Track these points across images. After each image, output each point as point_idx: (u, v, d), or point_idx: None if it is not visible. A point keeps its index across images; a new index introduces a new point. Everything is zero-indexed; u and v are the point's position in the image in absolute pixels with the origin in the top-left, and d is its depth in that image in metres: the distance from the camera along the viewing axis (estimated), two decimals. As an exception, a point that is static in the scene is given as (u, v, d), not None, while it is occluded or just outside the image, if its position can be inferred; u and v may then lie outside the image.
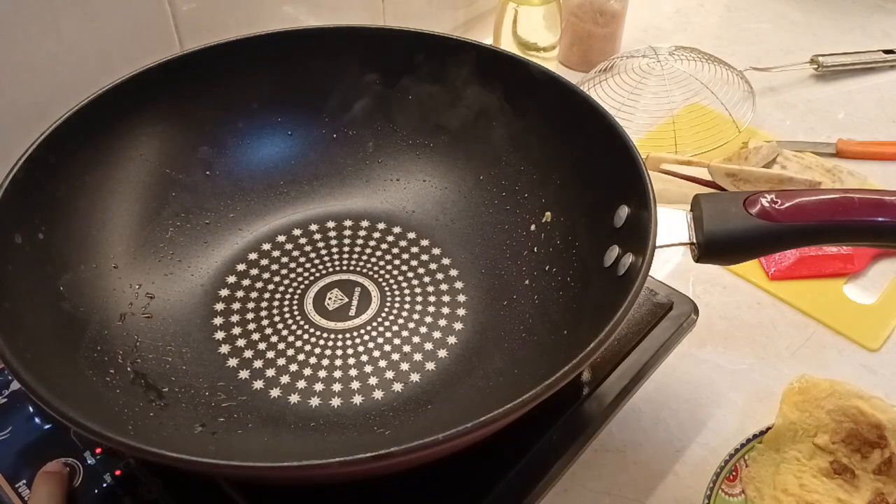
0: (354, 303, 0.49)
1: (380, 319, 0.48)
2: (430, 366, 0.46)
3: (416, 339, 0.47)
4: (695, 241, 0.40)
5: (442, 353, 0.46)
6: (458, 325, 0.48)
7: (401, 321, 0.48)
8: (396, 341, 0.47)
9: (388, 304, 0.49)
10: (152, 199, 0.50)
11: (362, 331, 0.47)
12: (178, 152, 0.51)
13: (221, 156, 0.53)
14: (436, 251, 0.52)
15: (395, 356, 0.46)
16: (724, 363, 0.52)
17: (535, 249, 0.49)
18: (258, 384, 0.44)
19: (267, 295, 0.49)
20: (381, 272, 0.51)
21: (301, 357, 0.46)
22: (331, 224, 0.54)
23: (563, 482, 0.43)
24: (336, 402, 0.44)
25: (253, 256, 0.52)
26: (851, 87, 0.78)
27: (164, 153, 0.50)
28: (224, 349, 0.46)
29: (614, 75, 0.74)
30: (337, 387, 0.44)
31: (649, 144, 0.68)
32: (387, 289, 0.50)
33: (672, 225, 0.40)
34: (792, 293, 0.56)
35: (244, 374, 0.45)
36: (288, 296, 0.49)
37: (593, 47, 0.78)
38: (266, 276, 0.50)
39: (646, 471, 0.46)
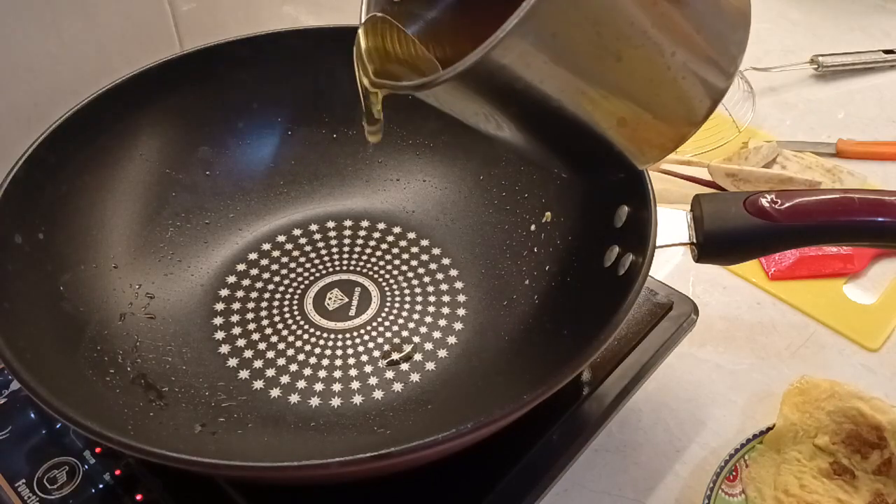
0: (354, 303, 0.49)
1: (380, 319, 0.48)
2: (430, 366, 0.46)
3: (416, 339, 0.47)
4: (695, 241, 0.40)
5: (442, 353, 0.46)
6: (458, 325, 0.48)
7: (401, 321, 0.48)
8: (396, 341, 0.47)
9: (388, 304, 0.49)
10: (152, 199, 0.50)
11: (362, 331, 0.47)
12: (178, 152, 0.51)
13: (221, 156, 0.53)
14: (436, 251, 0.52)
15: (395, 356, 0.46)
16: (724, 363, 0.52)
17: (535, 249, 0.49)
18: (258, 384, 0.44)
19: (267, 295, 0.49)
20: (381, 272, 0.51)
21: (301, 357, 0.46)
22: (331, 224, 0.54)
23: (563, 482, 0.43)
24: (336, 401, 0.44)
25: (253, 256, 0.52)
26: (851, 87, 0.78)
27: (164, 153, 0.50)
28: (224, 349, 0.46)
29: (614, 75, 0.73)
30: (337, 387, 0.44)
31: (649, 144, 0.68)
32: (387, 289, 0.50)
33: (672, 225, 0.40)
34: (792, 293, 0.56)
35: (244, 373, 0.45)
36: (288, 296, 0.49)
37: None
38: (266, 276, 0.51)
39: (646, 471, 0.46)
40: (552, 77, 0.30)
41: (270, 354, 0.46)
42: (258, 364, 0.46)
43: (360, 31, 0.36)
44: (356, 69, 0.37)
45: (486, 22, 0.28)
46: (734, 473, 0.43)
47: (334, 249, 0.52)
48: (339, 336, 0.47)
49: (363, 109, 0.38)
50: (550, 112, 0.32)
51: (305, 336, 0.47)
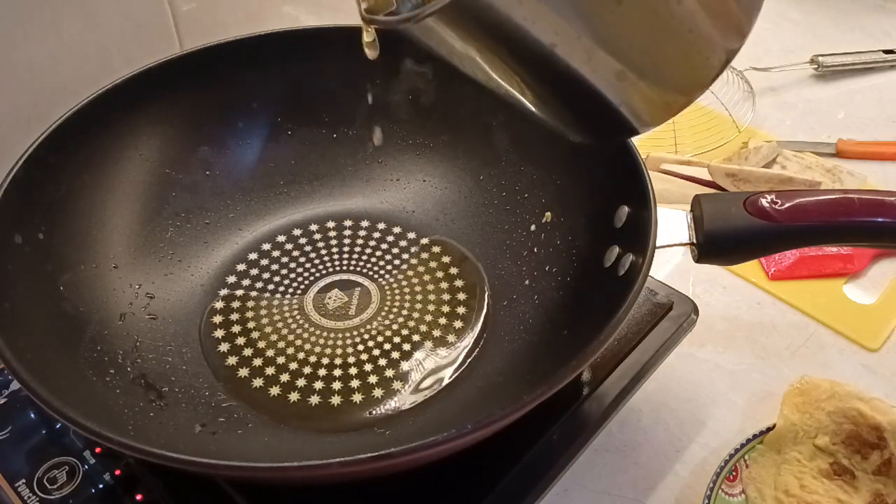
0: (354, 302, 0.49)
1: (380, 319, 0.48)
2: (429, 365, 0.46)
3: (415, 338, 0.47)
4: (695, 241, 0.40)
5: (442, 352, 0.46)
6: (457, 324, 0.48)
7: (400, 320, 0.48)
8: (396, 340, 0.47)
9: (387, 303, 0.49)
10: (152, 199, 0.50)
11: (362, 330, 0.47)
12: (178, 152, 0.51)
13: (221, 156, 0.53)
14: (436, 250, 0.52)
15: (395, 355, 0.46)
16: (724, 363, 0.52)
17: (535, 249, 0.49)
18: (258, 383, 0.44)
19: (267, 294, 0.49)
20: (381, 272, 0.51)
21: (301, 356, 0.46)
22: (331, 224, 0.54)
23: (563, 482, 0.43)
24: (336, 400, 0.44)
25: (253, 256, 0.52)
26: (851, 87, 0.78)
27: (164, 153, 0.50)
28: (224, 348, 0.46)
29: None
30: (337, 385, 0.44)
31: (649, 144, 0.68)
32: (386, 288, 0.50)
33: (672, 225, 0.40)
34: (792, 293, 0.56)
35: (244, 372, 0.45)
36: (288, 295, 0.49)
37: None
38: (266, 275, 0.51)
39: (646, 471, 0.46)
40: (545, 17, 0.29)
41: (270, 353, 0.46)
42: (258, 363, 0.46)
43: None
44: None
45: None
46: (734, 473, 0.43)
47: (334, 249, 0.52)
48: (339, 335, 0.47)
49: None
50: (544, 58, 0.30)
51: (305, 335, 0.47)
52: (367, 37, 0.39)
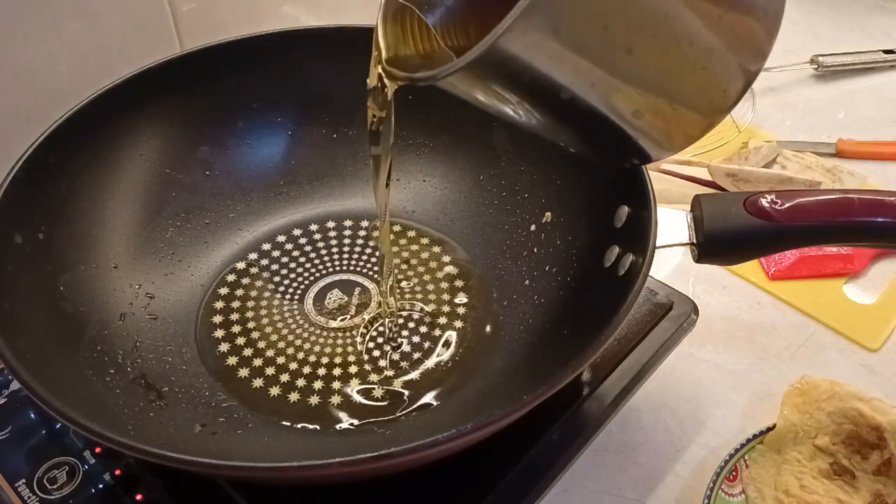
0: (354, 302, 0.49)
1: (379, 319, 0.48)
2: (429, 364, 0.46)
3: (415, 339, 0.47)
4: (695, 241, 0.40)
5: (442, 352, 0.46)
6: (458, 324, 0.48)
7: (400, 320, 0.48)
8: (396, 340, 0.47)
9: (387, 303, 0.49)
10: (152, 199, 0.50)
11: (363, 329, 0.47)
12: (178, 152, 0.51)
13: (221, 156, 0.53)
14: (435, 250, 0.52)
15: (395, 355, 0.46)
16: (724, 363, 0.52)
17: (535, 249, 0.49)
18: (258, 383, 0.45)
19: (267, 294, 0.49)
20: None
21: (301, 356, 0.46)
22: (331, 224, 0.54)
23: (563, 482, 0.43)
24: (336, 400, 0.44)
25: (253, 256, 0.52)
26: (851, 87, 0.78)
27: (164, 153, 0.50)
28: (223, 348, 0.46)
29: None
30: (336, 385, 0.44)
31: (649, 144, 0.68)
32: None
33: (672, 225, 0.40)
34: (792, 293, 0.56)
35: (244, 372, 0.45)
36: (288, 295, 0.49)
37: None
38: (266, 275, 0.51)
39: (646, 471, 0.46)
40: (559, 71, 0.29)
41: (270, 353, 0.46)
42: (258, 363, 0.46)
43: (379, 18, 0.36)
44: (373, 57, 0.36)
45: (508, 6, 0.27)
46: (734, 473, 0.43)
47: (334, 249, 0.52)
48: (339, 335, 0.47)
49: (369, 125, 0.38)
50: (562, 102, 0.31)
51: (305, 335, 0.47)
52: (372, 115, 0.38)
